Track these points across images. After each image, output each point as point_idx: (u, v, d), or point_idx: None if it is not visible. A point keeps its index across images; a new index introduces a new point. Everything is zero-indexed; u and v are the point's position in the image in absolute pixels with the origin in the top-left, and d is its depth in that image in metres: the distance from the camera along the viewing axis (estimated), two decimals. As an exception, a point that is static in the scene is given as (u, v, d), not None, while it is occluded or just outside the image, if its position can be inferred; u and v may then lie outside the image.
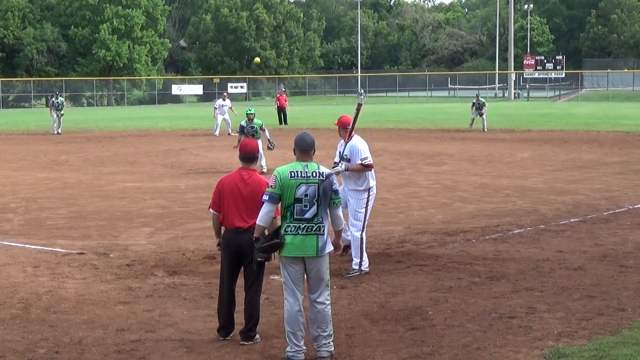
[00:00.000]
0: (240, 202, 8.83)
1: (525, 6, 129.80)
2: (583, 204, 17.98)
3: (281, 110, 51.27)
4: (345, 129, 12.71)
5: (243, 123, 25.39)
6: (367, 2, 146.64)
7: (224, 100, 42.97)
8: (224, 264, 9.07)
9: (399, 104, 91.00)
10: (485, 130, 42.26)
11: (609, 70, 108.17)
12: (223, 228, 9.03)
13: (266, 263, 8.62)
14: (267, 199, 8.29)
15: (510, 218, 16.22)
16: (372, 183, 12.48)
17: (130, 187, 21.58)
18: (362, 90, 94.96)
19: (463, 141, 36.52)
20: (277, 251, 8.31)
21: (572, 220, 15.93)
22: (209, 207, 9.15)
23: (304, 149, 8.41)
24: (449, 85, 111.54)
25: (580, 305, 9.94)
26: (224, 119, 42.35)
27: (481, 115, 42.59)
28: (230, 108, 42.82)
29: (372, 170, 12.47)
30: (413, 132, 43.51)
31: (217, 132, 42.01)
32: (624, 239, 14.03)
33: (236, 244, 8.82)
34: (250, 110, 26.23)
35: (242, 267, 8.95)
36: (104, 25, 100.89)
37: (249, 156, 9.07)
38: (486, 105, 43.29)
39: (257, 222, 8.37)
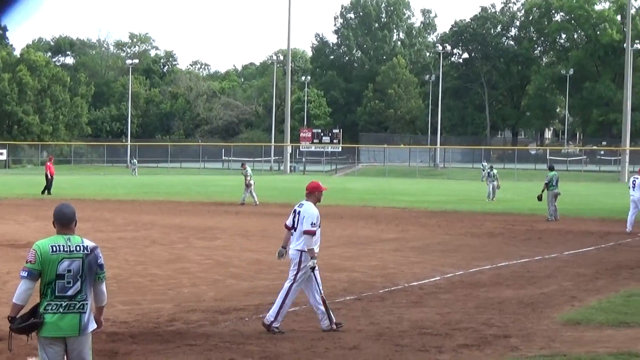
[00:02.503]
0: None
1: (303, 78, 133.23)
2: (359, 281, 18.36)
3: (50, 179, 50.03)
4: (309, 193, 13.62)
5: None
6: (139, 68, 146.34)
7: None
8: None
9: (170, 175, 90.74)
10: (257, 203, 42.93)
11: (385, 146, 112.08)
12: None
13: (24, 343, 8.31)
14: (25, 275, 7.99)
15: (285, 295, 16.35)
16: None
17: None
18: (135, 160, 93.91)
19: (237, 215, 36.71)
20: (35, 331, 8.05)
21: (348, 298, 16.22)
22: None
23: (64, 222, 8.21)
24: (223, 157, 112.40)
25: (355, 385, 10.09)
26: None
27: (247, 187, 43.57)
28: None
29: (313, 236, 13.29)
30: (185, 205, 43.38)
31: None
32: (400, 317, 14.38)
33: None
34: None
35: None
36: None
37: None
38: (249, 174, 44.05)
39: (13, 300, 8.08)
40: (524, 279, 18.94)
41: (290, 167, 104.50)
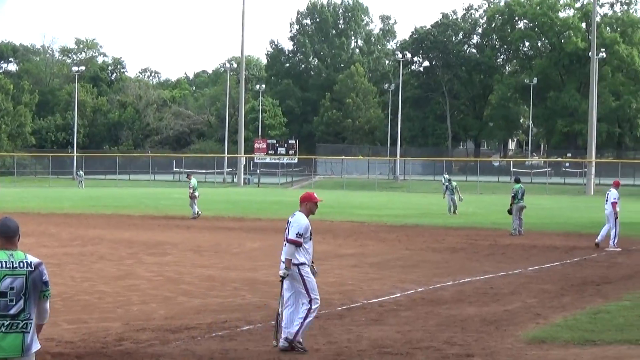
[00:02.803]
0: None
1: (257, 86, 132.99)
2: (316, 298, 18.35)
3: None
4: (300, 203, 13.70)
5: None
6: (85, 75, 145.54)
7: None
8: None
9: (119, 187, 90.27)
10: (198, 214, 43.34)
11: (343, 157, 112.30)
12: None
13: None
14: (-33, 292, 7.91)
15: (238, 313, 16.31)
16: (301, 259, 13.18)
17: None
18: (82, 172, 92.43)
19: (188, 229, 36.59)
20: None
21: (305, 315, 16.20)
22: None
23: (7, 236, 8.12)
24: (174, 169, 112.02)
25: (313, 407, 10.07)
26: None
27: (192, 198, 43.83)
28: None
29: (301, 247, 13.26)
30: (134, 218, 43.18)
31: None
32: (359, 335, 14.38)
33: None
34: None
35: None
36: None
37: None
38: (192, 185, 44.25)
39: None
40: (487, 295, 19.03)
41: (244, 179, 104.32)
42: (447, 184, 50.86)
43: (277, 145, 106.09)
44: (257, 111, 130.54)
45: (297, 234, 13.21)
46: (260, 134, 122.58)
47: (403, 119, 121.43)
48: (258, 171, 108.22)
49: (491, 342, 13.88)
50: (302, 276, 13.26)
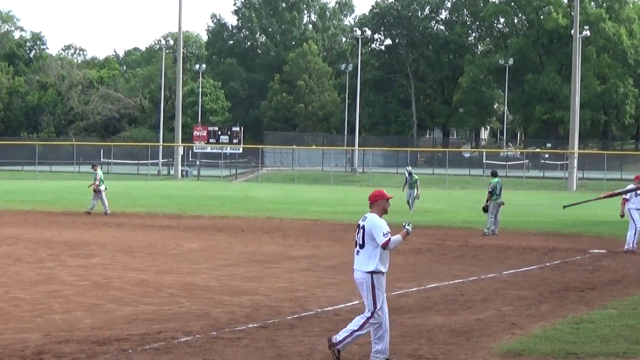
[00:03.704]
0: None
1: (197, 66, 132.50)
2: (263, 306, 18.33)
3: None
4: (373, 203, 13.72)
5: None
6: (0, 52, 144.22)
7: None
8: None
9: (38, 180, 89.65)
10: (107, 212, 43.43)
11: (294, 146, 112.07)
12: None
13: None
14: None
15: (175, 323, 16.26)
16: (380, 267, 13.46)
17: None
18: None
19: (118, 228, 36.43)
20: None
21: (251, 325, 16.18)
22: None
23: None
24: (102, 159, 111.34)
25: None
26: None
27: (97, 193, 43.71)
28: None
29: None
30: (56, 215, 42.93)
31: None
32: (312, 348, 14.38)
33: None
34: None
35: None
36: None
37: None
38: (98, 178, 44.04)
39: None
40: (457, 303, 19.12)
41: (182, 171, 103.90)
42: (407, 177, 50.62)
43: (220, 133, 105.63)
44: (196, 94, 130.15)
45: (383, 234, 13.26)
46: (200, 120, 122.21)
47: (362, 103, 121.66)
48: (198, 162, 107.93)
49: (461, 355, 13.96)
50: (373, 285, 13.43)
